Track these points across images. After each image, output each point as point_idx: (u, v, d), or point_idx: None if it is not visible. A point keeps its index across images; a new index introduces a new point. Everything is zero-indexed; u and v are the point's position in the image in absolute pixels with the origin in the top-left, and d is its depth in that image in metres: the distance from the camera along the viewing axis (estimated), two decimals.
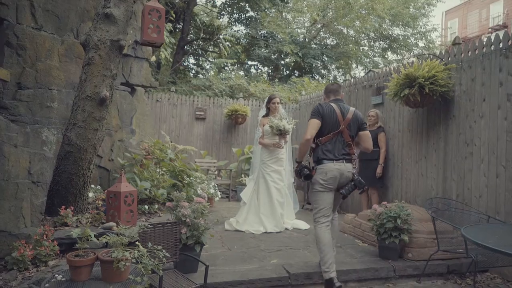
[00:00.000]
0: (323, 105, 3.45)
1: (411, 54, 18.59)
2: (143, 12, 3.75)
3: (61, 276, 2.37)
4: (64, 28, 4.64)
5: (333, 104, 3.46)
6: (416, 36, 19.17)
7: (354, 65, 19.06)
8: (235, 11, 16.62)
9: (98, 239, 2.55)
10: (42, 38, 4.34)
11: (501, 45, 4.02)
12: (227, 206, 6.80)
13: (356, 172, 3.45)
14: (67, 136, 3.60)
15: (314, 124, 3.34)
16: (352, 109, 3.50)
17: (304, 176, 3.42)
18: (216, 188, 6.80)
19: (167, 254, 2.53)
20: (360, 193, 3.87)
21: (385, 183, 5.59)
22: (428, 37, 19.39)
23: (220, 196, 6.85)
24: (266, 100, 5.47)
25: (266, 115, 5.36)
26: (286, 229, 5.21)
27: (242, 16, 16.71)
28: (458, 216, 4.03)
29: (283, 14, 16.90)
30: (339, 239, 4.70)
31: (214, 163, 8.00)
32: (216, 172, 8.00)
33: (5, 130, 3.07)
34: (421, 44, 19.37)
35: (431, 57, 4.87)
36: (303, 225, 5.39)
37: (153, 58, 8.65)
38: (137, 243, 2.46)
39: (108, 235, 2.42)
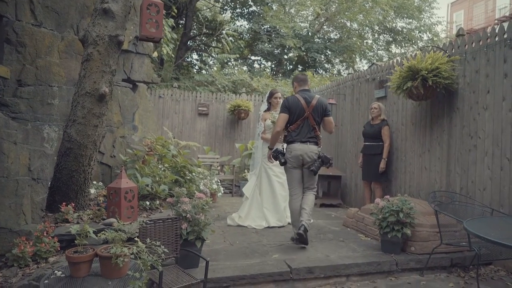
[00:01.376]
0: (289, 98, 4.05)
1: (416, 47, 18.38)
2: (142, 7, 3.73)
3: (60, 272, 2.37)
4: (64, 24, 4.63)
5: (297, 95, 4.03)
6: (420, 29, 18.93)
7: (358, 59, 18.89)
8: (237, 6, 16.53)
9: (97, 235, 2.55)
10: (42, 35, 4.34)
11: (505, 35, 3.95)
12: (230, 202, 6.80)
13: (320, 151, 3.99)
14: (67, 132, 3.60)
15: (282, 118, 3.98)
16: (317, 96, 4.03)
17: (280, 162, 4.07)
18: (219, 183, 6.79)
19: (165, 249, 2.53)
20: (328, 167, 3.97)
21: (389, 177, 5.55)
22: (433, 30, 19.15)
23: (223, 192, 6.85)
24: (267, 95, 5.44)
25: (268, 109, 5.32)
26: (289, 223, 5.19)
27: (245, 10, 16.62)
28: (461, 209, 3.99)
29: (286, 8, 16.77)
30: (342, 234, 4.68)
31: (217, 158, 7.99)
32: (219, 168, 8.00)
33: (4, 127, 3.07)
34: (425, 37, 19.15)
35: (435, 49, 4.80)
36: None
37: (155, 54, 8.64)
38: (136, 239, 2.46)
39: (106, 231, 2.42)
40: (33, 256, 2.86)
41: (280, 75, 15.84)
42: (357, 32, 18.21)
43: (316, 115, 3.98)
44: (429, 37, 18.98)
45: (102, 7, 3.58)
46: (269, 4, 15.52)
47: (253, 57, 17.82)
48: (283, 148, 4.14)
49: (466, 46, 4.46)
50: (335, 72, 18.07)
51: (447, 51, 4.64)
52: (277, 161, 5.13)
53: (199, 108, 8.76)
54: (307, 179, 4.07)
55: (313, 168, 3.90)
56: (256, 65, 17.78)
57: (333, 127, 4.18)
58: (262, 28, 15.77)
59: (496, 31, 4.06)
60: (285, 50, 16.38)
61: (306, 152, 3.93)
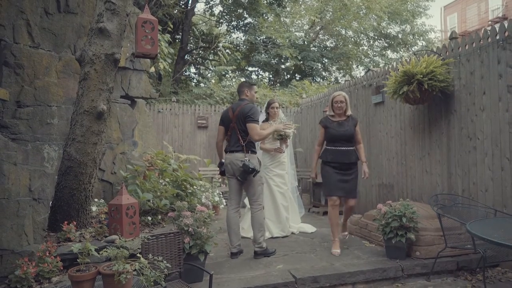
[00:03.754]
0: (223, 111, 4.32)
1: (410, 51, 18.51)
2: (136, 25, 3.77)
3: None
4: (61, 45, 4.68)
5: (229, 106, 4.22)
6: (414, 35, 19.09)
7: (354, 66, 19.00)
8: (233, 19, 16.71)
9: (99, 253, 2.54)
10: (39, 56, 4.39)
11: (498, 37, 3.98)
12: None
13: (247, 159, 3.93)
14: (67, 151, 3.62)
15: (219, 129, 4.24)
16: (242, 104, 4.06)
17: (220, 173, 4.26)
18: (221, 195, 6.78)
19: (168, 264, 2.51)
20: (254, 175, 3.89)
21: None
22: (427, 37, 19.31)
23: (225, 204, 6.82)
24: (265, 105, 5.47)
25: (266, 120, 5.34)
26: (292, 233, 5.17)
27: (240, 23, 16.79)
28: (465, 211, 3.98)
29: (281, 18, 16.94)
30: (346, 241, 4.66)
31: (218, 171, 7.97)
32: (221, 180, 7.98)
33: (4, 149, 3.09)
34: (420, 43, 19.29)
35: (429, 53, 4.84)
36: (309, 228, 5.35)
37: (152, 69, 8.70)
38: (138, 255, 2.45)
39: (108, 249, 2.41)
40: (36, 276, 2.85)
41: (278, 84, 15.92)
42: (352, 39, 18.36)
43: (239, 123, 4.01)
44: (423, 43, 19.12)
45: (97, 26, 3.63)
46: (264, 15, 15.69)
47: (250, 68, 17.94)
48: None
49: (460, 48, 4.50)
50: (333, 79, 18.17)
51: (441, 54, 4.68)
52: (278, 171, 5.16)
53: (199, 121, 8.79)
54: (246, 190, 4.11)
55: (237, 175, 3.93)
56: (253, 76, 17.90)
57: (256, 134, 3.90)
58: (258, 39, 15.91)
59: (489, 32, 4.10)
60: (282, 60, 16.49)
61: (232, 161, 4.00)
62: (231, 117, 4.07)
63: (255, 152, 4.13)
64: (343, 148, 4.21)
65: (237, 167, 3.96)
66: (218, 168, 4.39)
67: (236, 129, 4.04)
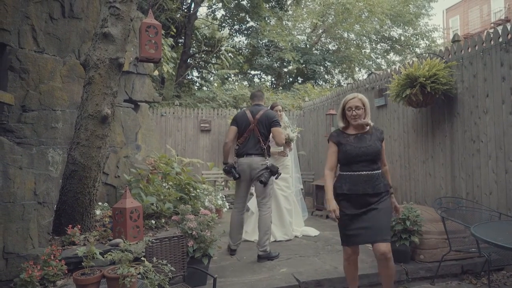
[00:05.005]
0: (238, 113, 4.26)
1: (414, 54, 18.50)
2: (140, 29, 3.80)
3: None
4: (65, 50, 4.72)
5: (246, 109, 4.20)
6: (417, 36, 19.08)
7: (357, 69, 19.01)
8: (235, 23, 16.77)
9: (103, 257, 2.55)
10: (44, 61, 4.42)
11: (500, 39, 3.99)
12: None
13: (269, 163, 4.04)
14: (72, 155, 3.64)
15: (231, 130, 4.14)
16: (264, 109, 4.15)
17: (233, 177, 4.08)
18: (224, 199, 6.78)
19: (172, 268, 2.52)
20: (276, 178, 4.13)
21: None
22: (430, 37, 19.30)
23: (228, 207, 6.83)
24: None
25: None
26: (295, 236, 5.17)
27: (243, 26, 16.86)
28: (469, 214, 3.96)
29: (284, 22, 17.00)
30: None
31: (221, 174, 7.99)
32: (224, 183, 8.00)
33: (9, 153, 3.11)
34: (423, 44, 19.29)
35: (431, 55, 4.84)
36: (312, 231, 5.34)
37: (156, 73, 8.74)
38: (142, 258, 2.47)
39: (112, 252, 2.43)
40: (41, 280, 2.86)
41: (281, 88, 15.94)
42: (354, 42, 18.38)
43: (262, 127, 4.05)
44: (426, 44, 19.11)
45: (102, 31, 3.66)
46: (266, 18, 15.74)
47: (252, 72, 17.98)
48: (235, 162, 4.14)
49: (463, 51, 4.50)
50: (335, 82, 18.17)
51: (444, 57, 4.68)
52: (282, 175, 5.15)
53: (201, 125, 8.82)
54: (258, 192, 4.16)
55: (261, 179, 3.93)
56: (256, 79, 17.93)
57: (282, 138, 4.12)
58: (260, 42, 15.96)
59: (491, 35, 4.10)
60: (284, 63, 16.53)
61: (251, 164, 4.02)
62: (250, 120, 4.06)
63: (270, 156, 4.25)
64: (365, 172, 2.88)
65: (256, 171, 4.00)
66: (221, 172, 4.41)
67: (257, 132, 4.04)
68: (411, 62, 5.06)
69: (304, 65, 15.87)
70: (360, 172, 2.87)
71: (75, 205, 3.63)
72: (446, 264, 3.69)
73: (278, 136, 4.06)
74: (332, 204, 2.88)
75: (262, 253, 4.01)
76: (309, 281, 3.36)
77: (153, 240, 2.78)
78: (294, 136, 5.11)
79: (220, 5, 15.56)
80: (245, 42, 16.94)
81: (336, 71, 18.35)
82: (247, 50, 16.76)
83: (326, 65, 16.97)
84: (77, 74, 4.74)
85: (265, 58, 15.77)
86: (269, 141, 4.14)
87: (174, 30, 11.89)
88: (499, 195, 3.94)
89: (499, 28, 4.12)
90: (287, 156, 5.20)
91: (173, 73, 12.28)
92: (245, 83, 16.94)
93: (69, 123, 4.56)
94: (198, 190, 5.31)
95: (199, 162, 7.70)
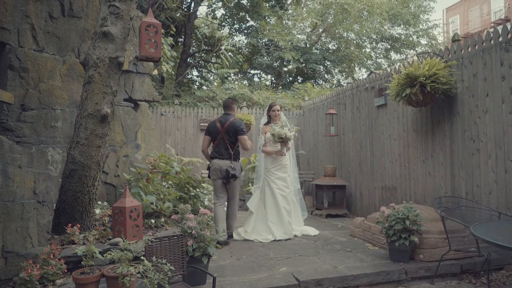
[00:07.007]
0: (210, 123, 4.92)
1: (414, 52, 18.49)
2: (140, 28, 3.79)
3: None
4: (65, 49, 4.71)
5: (217, 120, 4.83)
6: (418, 34, 19.08)
7: (357, 68, 19.00)
8: (235, 22, 16.76)
9: (103, 256, 2.55)
10: (44, 60, 4.42)
11: (500, 39, 3.99)
12: None
13: (232, 166, 4.63)
14: (71, 154, 3.64)
15: (205, 139, 4.89)
16: (231, 119, 4.74)
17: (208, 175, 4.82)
18: None
19: (172, 267, 2.52)
20: (234, 180, 4.71)
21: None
22: (431, 34, 19.29)
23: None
24: (267, 108, 5.48)
25: (268, 123, 5.35)
26: (295, 236, 5.17)
27: (243, 26, 16.85)
28: (468, 214, 3.96)
29: (283, 21, 16.99)
30: (349, 244, 4.65)
31: None
32: None
33: (9, 151, 3.11)
34: (423, 42, 19.27)
35: (431, 55, 4.84)
36: (312, 231, 5.34)
37: (155, 72, 8.73)
38: (142, 257, 2.46)
39: (112, 251, 2.43)
40: (40, 279, 2.86)
41: (280, 87, 15.94)
42: (354, 41, 18.36)
43: (229, 136, 4.68)
44: (427, 41, 19.09)
45: (101, 30, 3.66)
46: (266, 17, 15.73)
47: (252, 71, 17.98)
48: (209, 164, 4.82)
49: (462, 50, 4.50)
50: (335, 82, 18.16)
51: (444, 57, 4.68)
52: (280, 174, 5.16)
53: (201, 124, 8.81)
54: (228, 190, 4.81)
55: (223, 180, 4.66)
56: (256, 79, 17.93)
57: (248, 145, 4.70)
58: (260, 42, 15.96)
59: (491, 35, 4.10)
60: (284, 63, 16.52)
61: (222, 166, 4.65)
62: (219, 130, 4.71)
63: (239, 159, 4.85)
64: None
65: (226, 172, 4.63)
66: None
67: (226, 140, 4.69)
68: (411, 62, 5.06)
69: (304, 65, 15.87)
70: None
71: (74, 204, 3.63)
72: (445, 264, 3.69)
73: (244, 143, 4.70)
74: None
75: (230, 233, 4.89)
76: (309, 280, 3.36)
77: (153, 239, 2.77)
78: (291, 135, 5.10)
79: (220, 4, 15.56)
80: (245, 41, 16.94)
81: (336, 70, 18.34)
82: (247, 49, 16.76)
83: (326, 64, 16.96)
84: (77, 73, 4.73)
85: (265, 58, 15.76)
86: (237, 146, 4.77)
87: (174, 29, 11.89)
88: (498, 195, 3.94)
89: (499, 28, 4.11)
90: (285, 155, 5.19)
91: (173, 72, 12.27)
92: (245, 82, 16.94)
93: (69, 122, 4.55)
94: (197, 190, 5.31)
95: (198, 161, 7.70)
